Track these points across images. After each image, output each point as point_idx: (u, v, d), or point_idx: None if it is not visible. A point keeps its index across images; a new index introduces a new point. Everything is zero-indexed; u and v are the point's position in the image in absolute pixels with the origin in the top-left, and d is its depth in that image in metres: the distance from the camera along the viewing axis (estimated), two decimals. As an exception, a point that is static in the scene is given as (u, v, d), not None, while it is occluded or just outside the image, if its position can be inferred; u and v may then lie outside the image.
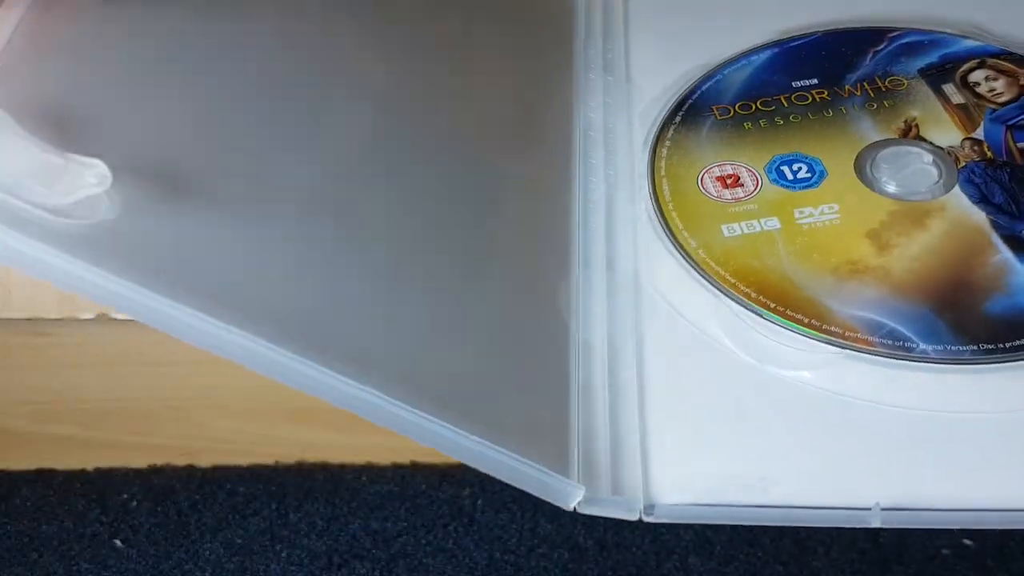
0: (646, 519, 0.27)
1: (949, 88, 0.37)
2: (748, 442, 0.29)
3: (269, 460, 0.52)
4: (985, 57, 0.38)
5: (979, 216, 0.32)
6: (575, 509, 0.27)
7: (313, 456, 0.51)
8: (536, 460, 0.27)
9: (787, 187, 0.34)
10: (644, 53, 0.41)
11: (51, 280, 0.23)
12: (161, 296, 0.24)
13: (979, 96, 0.36)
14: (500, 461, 0.27)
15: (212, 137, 0.29)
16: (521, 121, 0.38)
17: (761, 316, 0.30)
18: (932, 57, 0.38)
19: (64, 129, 0.25)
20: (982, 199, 0.33)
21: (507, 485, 0.45)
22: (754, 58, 0.39)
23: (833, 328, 0.30)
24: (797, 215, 0.33)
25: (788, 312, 0.30)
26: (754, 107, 0.37)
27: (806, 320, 0.30)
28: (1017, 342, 0.29)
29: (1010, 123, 0.35)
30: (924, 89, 0.37)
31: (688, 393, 0.30)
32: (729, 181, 0.34)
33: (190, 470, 0.51)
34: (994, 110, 0.35)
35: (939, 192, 0.33)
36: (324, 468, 0.50)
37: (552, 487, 0.27)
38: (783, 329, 0.30)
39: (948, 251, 0.32)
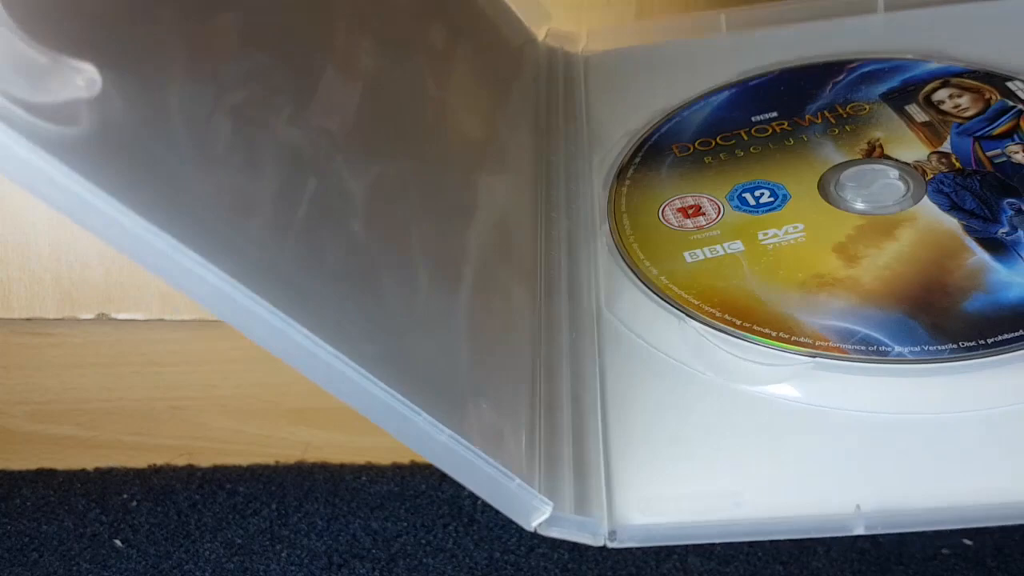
0: (611, 545, 0.26)
1: (912, 108, 0.37)
2: (717, 460, 0.28)
3: (269, 460, 0.52)
4: (948, 77, 0.38)
5: (951, 223, 0.32)
6: (535, 530, 0.26)
7: (313, 456, 0.51)
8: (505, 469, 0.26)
9: (750, 212, 0.34)
10: (603, 104, 0.41)
11: (14, 179, 0.21)
12: (139, 217, 0.22)
13: (944, 113, 0.36)
14: (470, 462, 0.25)
15: (206, 73, 0.28)
16: (489, 149, 0.38)
17: (726, 333, 0.30)
18: (894, 82, 0.38)
19: (54, 36, 0.23)
20: (953, 207, 0.32)
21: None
22: (713, 99, 0.40)
23: (802, 339, 0.29)
24: (761, 236, 0.33)
25: (755, 327, 0.30)
26: (714, 143, 0.37)
27: (774, 334, 0.30)
28: (999, 337, 0.29)
29: (978, 135, 0.35)
30: (887, 112, 0.37)
31: (653, 415, 0.29)
32: (690, 211, 0.34)
33: (190, 470, 0.51)
34: (960, 124, 0.35)
35: (908, 204, 0.33)
36: (324, 468, 0.50)
37: (519, 499, 0.26)
38: (750, 344, 0.30)
39: (920, 257, 0.31)
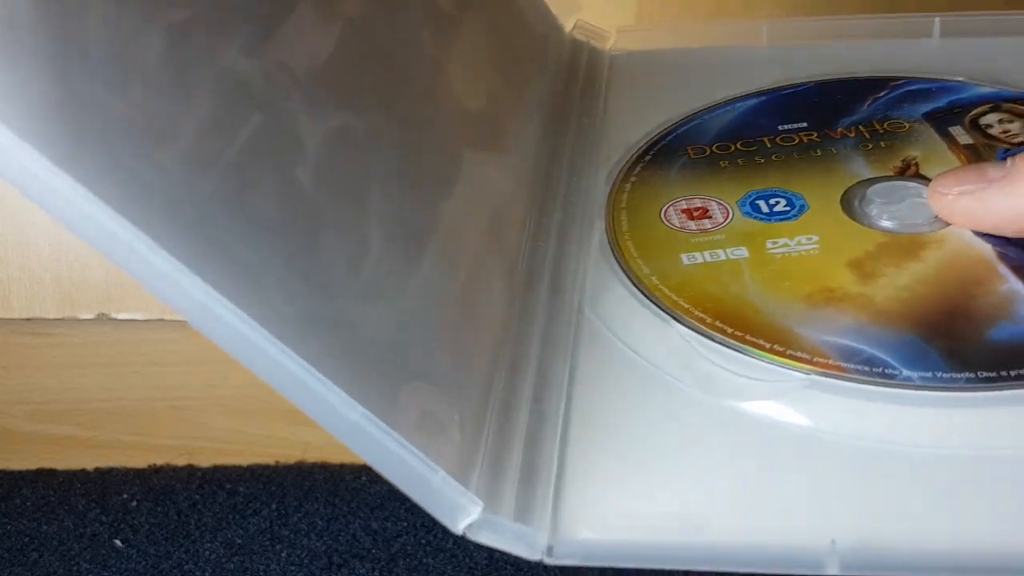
0: (548, 561, 0.23)
1: (956, 130, 0.34)
2: (683, 478, 0.25)
3: (269, 460, 0.52)
4: (999, 102, 0.35)
5: (984, 248, 0.30)
6: (464, 533, 0.23)
7: (313, 456, 0.51)
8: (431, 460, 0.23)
9: (761, 219, 0.32)
10: (624, 101, 0.39)
11: None
12: (10, 132, 0.19)
13: (991, 137, 0.34)
14: (387, 448, 0.22)
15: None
16: (485, 126, 0.36)
17: (714, 341, 0.28)
18: (940, 102, 0.35)
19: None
20: (989, 233, 0.30)
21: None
22: (739, 104, 0.37)
23: (800, 354, 0.27)
24: (769, 245, 0.31)
25: (747, 337, 0.27)
26: (733, 148, 0.35)
27: (768, 345, 0.27)
28: None
29: None
30: (928, 131, 0.34)
31: (620, 424, 0.27)
32: (696, 213, 0.32)
33: (190, 470, 0.51)
34: (1007, 149, 0.33)
35: (939, 226, 0.31)
36: (324, 468, 0.50)
37: (443, 494, 0.23)
38: (739, 355, 0.27)
39: (944, 281, 0.29)
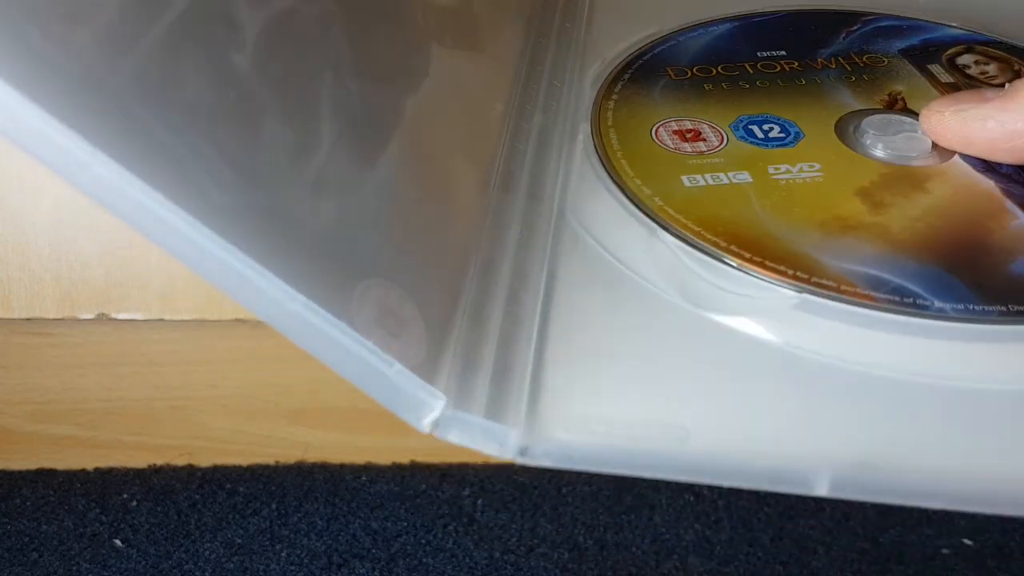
0: (521, 460, 0.22)
1: (936, 68, 0.34)
2: (672, 387, 0.24)
3: (269, 460, 0.52)
4: (972, 44, 0.36)
5: (987, 184, 0.29)
6: (431, 430, 0.22)
7: (313, 456, 0.51)
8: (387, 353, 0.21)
9: (758, 144, 0.31)
10: (608, 11, 0.38)
11: None
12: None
13: (970, 78, 0.34)
14: (331, 339, 0.21)
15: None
16: (458, 20, 0.33)
17: (732, 267, 0.26)
18: (913, 40, 0.36)
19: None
20: (988, 169, 0.30)
21: (507, 484, 0.45)
22: (712, 28, 0.37)
23: (826, 282, 0.26)
24: (772, 171, 0.30)
25: (768, 263, 0.26)
26: (715, 71, 0.34)
27: (791, 272, 0.26)
28: None
29: None
30: (907, 67, 0.34)
31: (601, 331, 0.25)
32: (688, 135, 0.31)
33: (190, 470, 0.51)
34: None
35: (936, 160, 0.30)
36: (324, 468, 0.50)
37: (403, 389, 0.21)
38: (764, 283, 0.26)
39: (957, 213, 0.28)
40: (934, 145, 0.31)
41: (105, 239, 0.46)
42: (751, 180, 0.30)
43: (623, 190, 0.29)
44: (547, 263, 0.27)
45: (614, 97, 0.33)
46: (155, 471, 0.51)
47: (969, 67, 0.34)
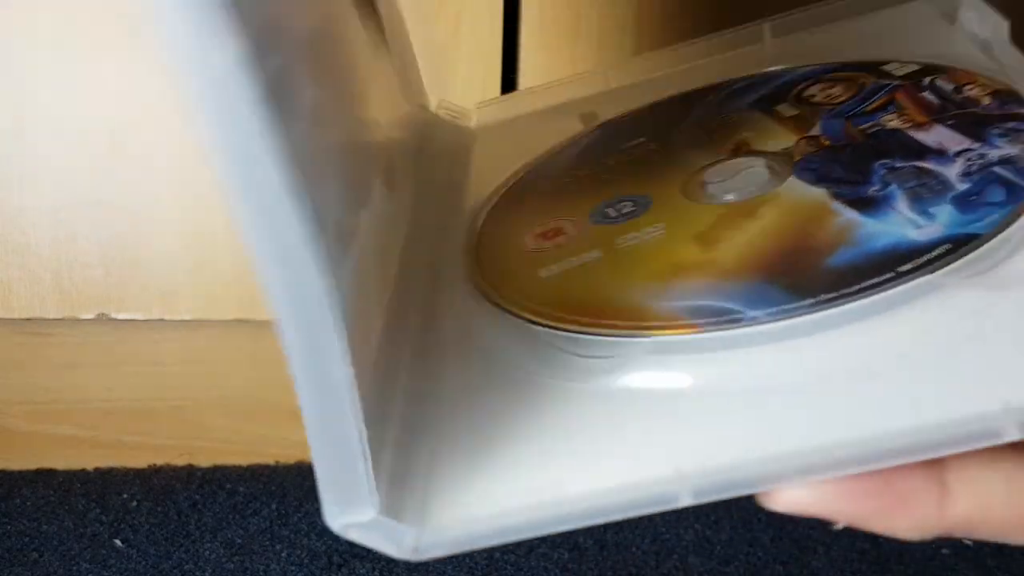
0: (415, 558, 0.24)
1: (783, 107, 0.36)
2: (543, 454, 0.26)
3: (269, 460, 0.52)
4: (822, 74, 0.37)
5: (818, 193, 0.31)
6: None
7: (313, 456, 0.51)
8: None
9: (612, 223, 0.33)
10: (483, 172, 0.41)
11: None
12: None
13: (815, 105, 0.36)
14: None
15: None
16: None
17: (570, 332, 0.29)
18: (763, 91, 0.38)
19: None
20: (821, 179, 0.31)
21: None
22: (583, 140, 0.39)
23: (653, 324, 0.28)
24: (619, 241, 0.32)
25: (603, 321, 0.29)
26: (579, 174, 0.37)
27: (622, 324, 0.28)
28: (865, 283, 0.27)
29: (849, 114, 0.35)
30: (756, 115, 0.36)
31: (487, 422, 0.28)
32: (549, 234, 0.34)
33: (190, 470, 0.51)
34: (832, 109, 0.35)
35: (772, 187, 0.32)
36: (324, 468, 0.50)
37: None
38: (591, 338, 0.28)
39: (783, 229, 0.30)
40: (770, 172, 0.32)
41: (105, 239, 0.46)
42: (600, 255, 0.32)
43: (489, 300, 0.32)
44: (440, 376, 0.30)
45: (487, 225, 0.36)
46: (155, 471, 0.51)
47: (815, 96, 0.36)
